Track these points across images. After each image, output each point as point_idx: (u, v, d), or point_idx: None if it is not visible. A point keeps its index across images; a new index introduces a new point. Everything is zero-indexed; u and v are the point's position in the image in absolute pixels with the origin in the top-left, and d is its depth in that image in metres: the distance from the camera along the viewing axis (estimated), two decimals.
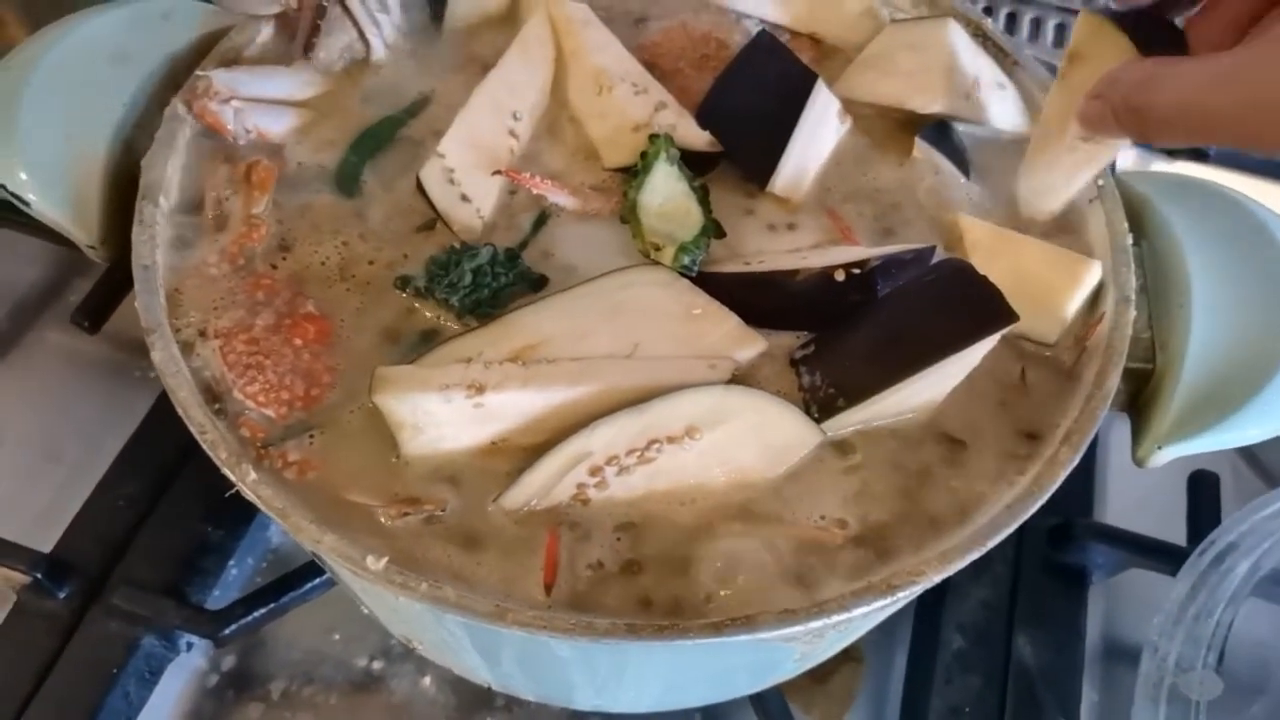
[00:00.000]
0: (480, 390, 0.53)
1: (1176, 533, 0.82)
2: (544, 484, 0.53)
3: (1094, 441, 0.87)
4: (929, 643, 0.78)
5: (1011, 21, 1.18)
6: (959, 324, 0.53)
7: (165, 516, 0.80)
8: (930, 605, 0.80)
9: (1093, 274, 0.60)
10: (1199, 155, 1.06)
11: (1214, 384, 0.59)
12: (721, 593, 0.52)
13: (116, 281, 0.80)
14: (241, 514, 0.83)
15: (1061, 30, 1.17)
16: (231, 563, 0.84)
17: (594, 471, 0.54)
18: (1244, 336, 0.60)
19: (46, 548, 0.78)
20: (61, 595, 0.76)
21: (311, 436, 0.55)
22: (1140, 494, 0.91)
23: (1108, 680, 0.84)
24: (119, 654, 0.74)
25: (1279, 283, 0.62)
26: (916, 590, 0.51)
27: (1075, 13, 1.18)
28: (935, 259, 0.60)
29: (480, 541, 0.53)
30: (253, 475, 0.51)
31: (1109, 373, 0.58)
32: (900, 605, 0.53)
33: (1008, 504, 0.54)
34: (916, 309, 0.56)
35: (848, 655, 0.82)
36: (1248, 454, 0.95)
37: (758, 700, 0.71)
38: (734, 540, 0.54)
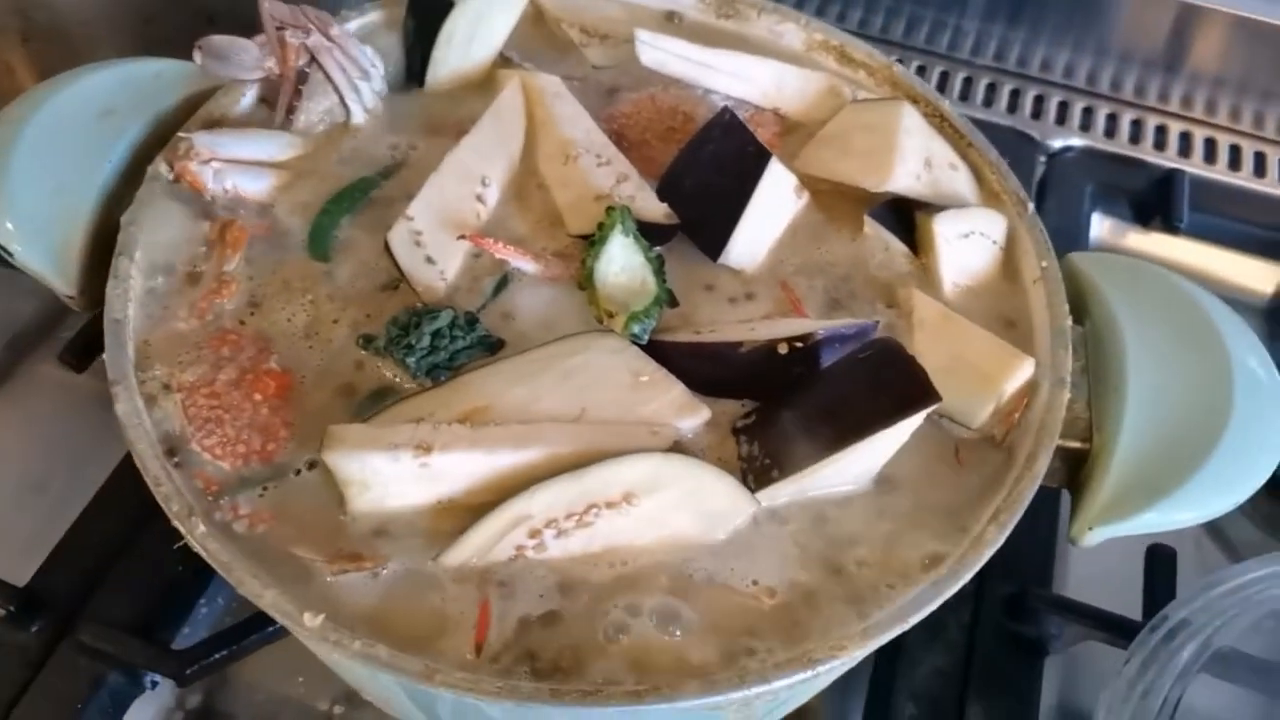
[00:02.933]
0: (427, 450, 0.55)
1: (1135, 606, 0.83)
2: (483, 544, 0.55)
3: (1053, 512, 0.89)
4: (881, 709, 0.78)
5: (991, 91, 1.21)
6: (885, 401, 0.55)
7: (139, 554, 0.82)
8: (884, 670, 0.80)
9: (1026, 369, 0.62)
10: (1170, 227, 1.08)
11: (1147, 467, 0.61)
12: (647, 656, 0.53)
13: (104, 324, 0.83)
14: None
15: (1040, 102, 1.20)
16: (201, 601, 0.85)
17: (533, 534, 0.56)
18: (1179, 420, 0.62)
19: (26, 579, 0.80)
20: (33, 629, 0.78)
21: (264, 490, 0.57)
22: (1101, 566, 0.91)
23: None
24: (84, 690, 0.75)
25: (1214, 368, 0.63)
26: (838, 664, 0.52)
27: (1059, 86, 1.21)
28: (879, 335, 0.62)
29: (417, 597, 0.55)
30: (201, 529, 0.53)
31: (1039, 454, 0.59)
32: (827, 678, 0.54)
33: (933, 581, 0.55)
34: (849, 385, 0.57)
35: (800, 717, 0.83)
36: (1211, 527, 0.95)
37: None
38: (665, 603, 0.55)
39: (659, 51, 0.77)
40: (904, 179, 0.70)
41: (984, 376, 0.61)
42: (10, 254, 0.66)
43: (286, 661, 0.84)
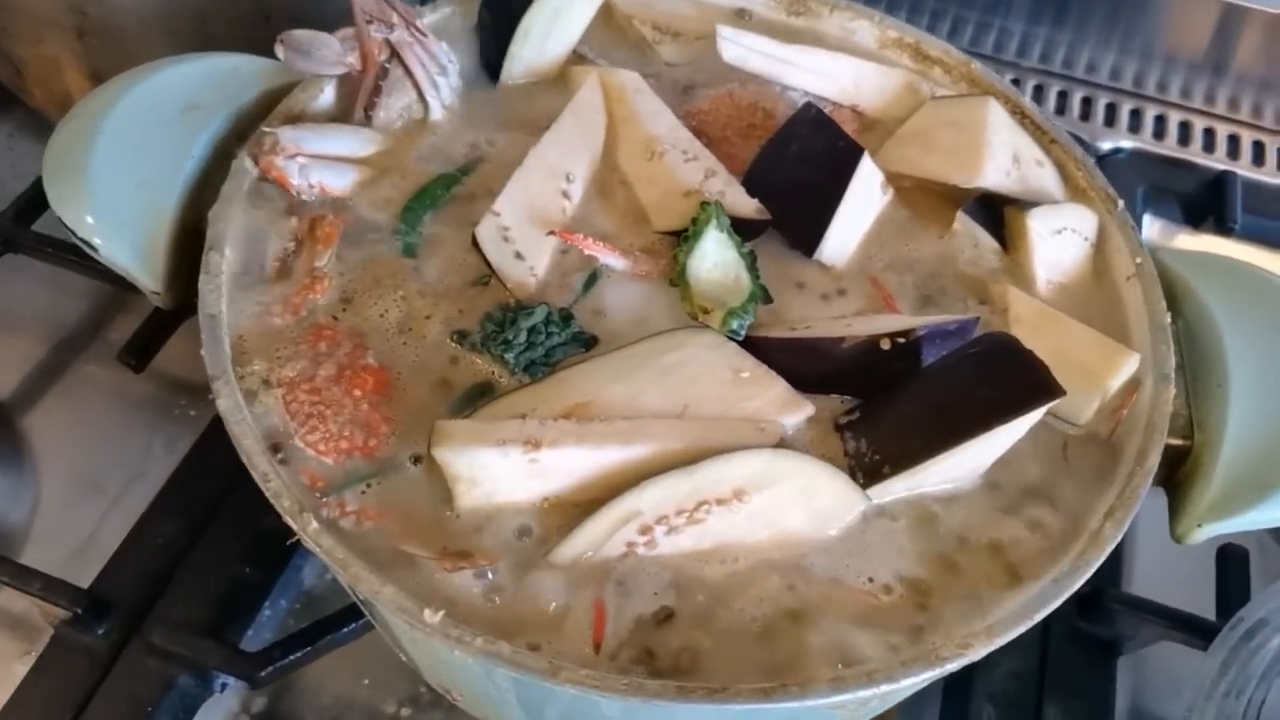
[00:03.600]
0: (536, 446, 0.54)
1: (1203, 606, 0.83)
2: (594, 540, 0.54)
3: None
4: (960, 714, 0.78)
5: (1039, 93, 1.21)
6: (1006, 396, 0.54)
7: (204, 556, 0.81)
8: (959, 675, 0.80)
9: (1131, 364, 0.61)
10: (1224, 229, 1.08)
11: (1253, 463, 0.60)
12: (766, 654, 0.53)
13: (162, 322, 0.82)
14: (278, 555, 0.84)
15: (1088, 104, 1.20)
16: (265, 604, 0.84)
17: (644, 530, 0.55)
18: None
19: (84, 581, 0.79)
20: (100, 631, 0.76)
21: (367, 486, 0.57)
22: (1167, 567, 0.91)
23: None
24: (155, 692, 0.74)
25: None
26: (964, 662, 0.51)
27: (1106, 88, 1.21)
28: (977, 331, 0.62)
29: (528, 595, 0.54)
30: (314, 525, 0.52)
31: (1150, 450, 0.59)
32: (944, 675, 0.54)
33: (1054, 578, 0.54)
34: (963, 380, 0.57)
35: None
36: (1276, 531, 0.95)
37: None
38: (781, 601, 0.55)
39: (740, 48, 0.77)
40: (994, 175, 0.70)
41: (1088, 372, 0.61)
42: (94, 248, 0.65)
43: (351, 664, 0.83)
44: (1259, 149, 1.16)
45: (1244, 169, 1.14)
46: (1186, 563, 0.88)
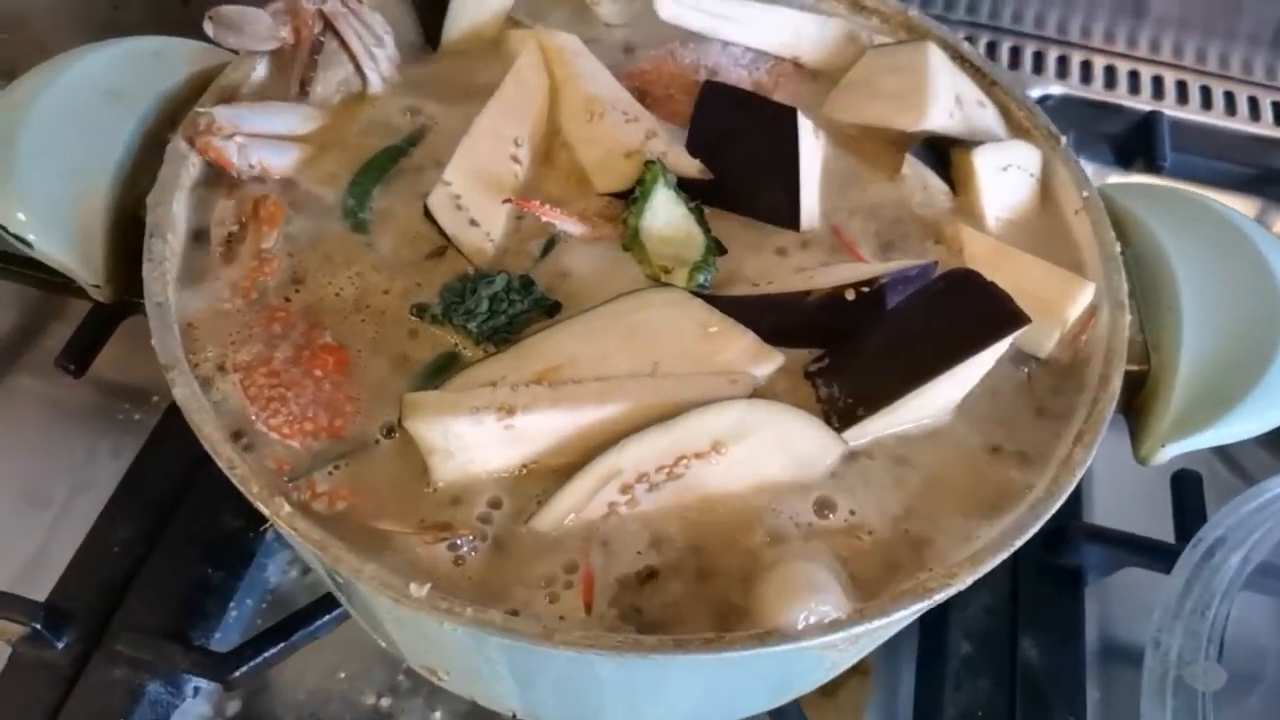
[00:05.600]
0: (510, 412, 0.53)
1: (1162, 531, 0.85)
2: (575, 503, 0.54)
3: None
4: (937, 650, 0.79)
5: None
6: (973, 328, 0.55)
7: (163, 559, 0.79)
8: (935, 613, 0.81)
9: (1087, 293, 0.62)
10: (1154, 168, 1.11)
11: (1210, 382, 0.62)
12: (754, 602, 0.53)
13: (100, 324, 0.79)
14: (241, 554, 0.82)
15: (1016, 53, 1.22)
16: (231, 605, 0.82)
17: (625, 489, 0.54)
18: (1234, 334, 0.63)
19: (38, 596, 0.76)
20: (60, 645, 0.74)
21: (336, 466, 0.55)
22: (1126, 496, 0.94)
23: (1106, 678, 0.85)
24: (124, 703, 0.72)
25: (1262, 281, 0.65)
26: (951, 592, 0.52)
27: (1033, 37, 1.22)
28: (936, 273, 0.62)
29: (511, 563, 0.53)
30: (287, 509, 0.51)
31: (1112, 374, 0.60)
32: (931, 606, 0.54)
33: (1030, 504, 0.55)
34: (929, 317, 0.57)
35: (855, 668, 0.83)
36: (1223, 453, 0.98)
37: (776, 715, 0.72)
38: (764, 549, 0.55)
39: (677, 5, 0.76)
40: (938, 117, 0.70)
41: (1046, 304, 0.62)
42: (28, 244, 0.62)
43: (326, 658, 0.81)
44: (1182, 88, 1.19)
45: (1169, 108, 1.17)
46: (1143, 490, 0.90)
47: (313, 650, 0.78)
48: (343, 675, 0.81)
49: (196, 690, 0.76)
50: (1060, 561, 0.84)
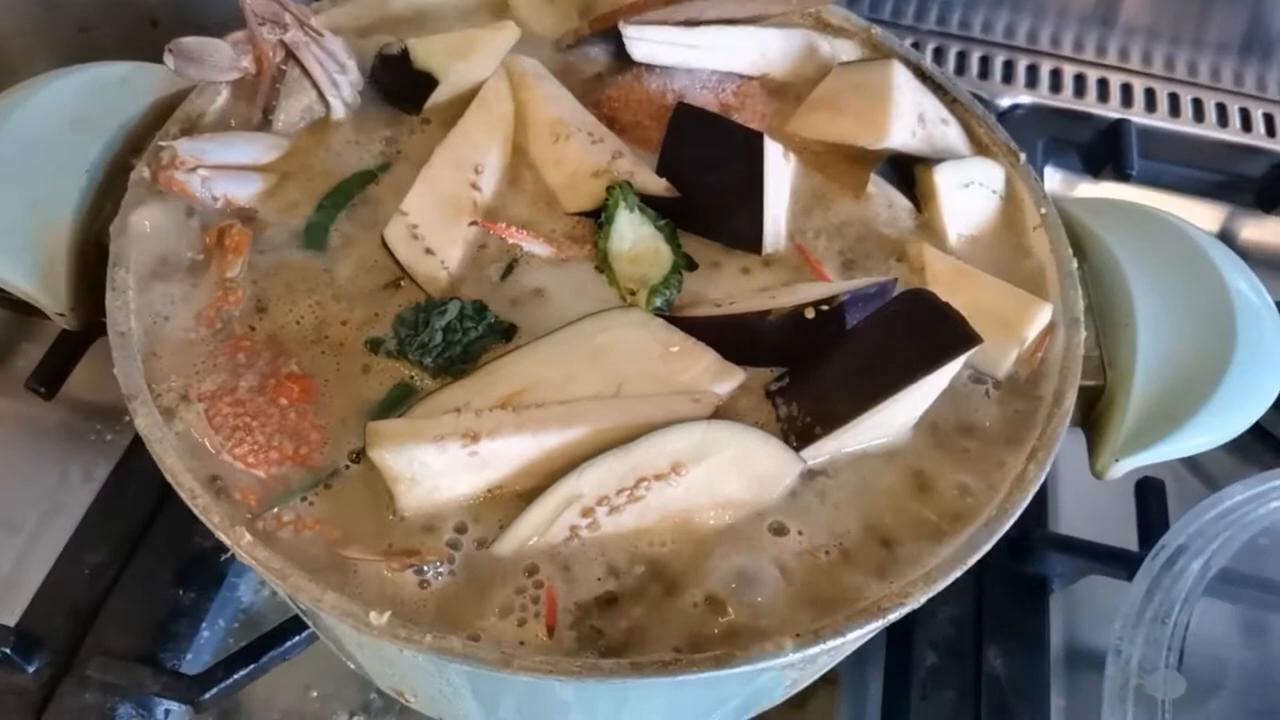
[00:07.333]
0: (474, 438, 0.54)
1: (1125, 539, 0.86)
2: (537, 527, 0.54)
3: None
4: (903, 661, 0.80)
5: (939, 55, 1.23)
6: (926, 349, 0.56)
7: (133, 582, 0.79)
8: (901, 625, 0.82)
9: (1045, 314, 0.63)
10: (1122, 175, 1.12)
11: (1164, 397, 0.63)
12: (711, 624, 0.53)
13: (71, 345, 0.79)
14: (212, 576, 0.82)
15: (986, 62, 1.23)
16: (204, 625, 0.82)
17: (585, 513, 0.55)
18: (1188, 349, 0.64)
19: (9, 621, 0.76)
20: (31, 669, 0.74)
21: (304, 496, 0.56)
22: (1089, 505, 0.95)
23: (1071, 685, 0.86)
24: None
25: (1216, 296, 0.66)
26: (905, 610, 0.53)
27: (1002, 46, 1.24)
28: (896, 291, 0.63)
29: (475, 588, 0.54)
30: (247, 538, 0.51)
31: (1066, 392, 0.61)
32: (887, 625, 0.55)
33: (984, 522, 0.56)
34: (885, 337, 0.58)
35: (823, 679, 0.84)
36: (1188, 459, 0.99)
37: None
38: (723, 569, 0.55)
39: (648, 43, 0.76)
40: (900, 135, 0.71)
41: (1004, 324, 0.62)
42: None
43: (298, 678, 0.82)
44: (1150, 95, 1.21)
45: (1137, 116, 1.18)
46: (1107, 499, 0.91)
47: (285, 670, 0.78)
48: (315, 694, 0.82)
49: (168, 713, 0.77)
50: (1026, 570, 0.85)
